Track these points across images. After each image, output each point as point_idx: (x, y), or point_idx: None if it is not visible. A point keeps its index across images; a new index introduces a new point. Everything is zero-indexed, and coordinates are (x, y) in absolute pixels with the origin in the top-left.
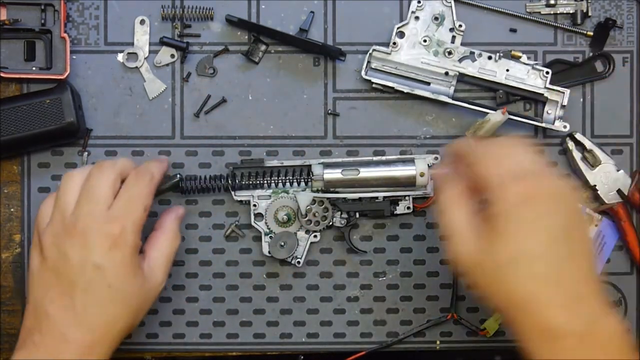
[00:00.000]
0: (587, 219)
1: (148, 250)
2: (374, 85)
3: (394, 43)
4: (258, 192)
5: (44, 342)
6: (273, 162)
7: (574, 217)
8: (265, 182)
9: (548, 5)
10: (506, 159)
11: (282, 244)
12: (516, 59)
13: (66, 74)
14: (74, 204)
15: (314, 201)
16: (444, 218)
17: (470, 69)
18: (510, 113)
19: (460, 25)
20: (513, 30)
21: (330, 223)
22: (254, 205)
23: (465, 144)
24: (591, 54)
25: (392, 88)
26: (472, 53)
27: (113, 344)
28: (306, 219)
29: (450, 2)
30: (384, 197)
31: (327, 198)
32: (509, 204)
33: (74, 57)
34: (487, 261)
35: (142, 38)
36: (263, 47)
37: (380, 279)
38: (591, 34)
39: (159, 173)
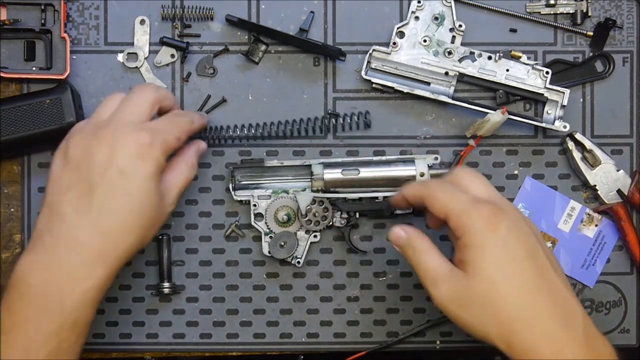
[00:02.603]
0: (586, 219)
1: (165, 173)
2: (374, 85)
3: (394, 43)
4: (258, 192)
5: (55, 244)
6: (273, 162)
7: (536, 234)
8: (265, 182)
9: (548, 5)
10: (462, 188)
11: (282, 244)
12: (516, 59)
13: (66, 74)
14: (109, 115)
15: (314, 201)
16: (420, 270)
17: (470, 69)
18: (510, 113)
19: (460, 25)
20: (513, 30)
21: (330, 223)
22: (254, 205)
23: (415, 187)
24: (591, 54)
25: (392, 88)
26: (472, 53)
27: (123, 257)
28: (306, 219)
29: (450, 2)
30: (384, 197)
31: (327, 198)
32: (476, 229)
33: (74, 57)
34: (472, 291)
35: (142, 38)
36: (263, 47)
37: (380, 279)
38: (591, 34)
39: (198, 122)
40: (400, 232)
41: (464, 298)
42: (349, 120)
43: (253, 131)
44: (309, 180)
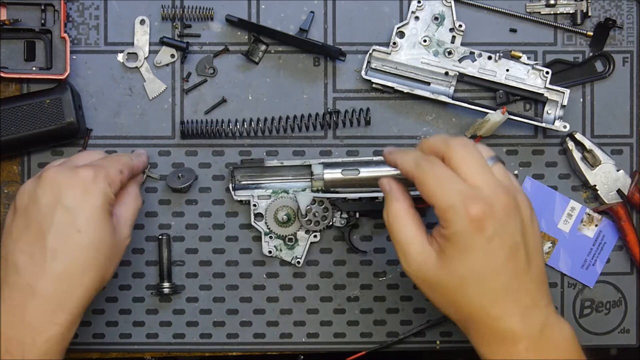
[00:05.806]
0: (586, 219)
1: (114, 208)
2: (374, 85)
3: (394, 43)
4: (258, 192)
5: (11, 296)
6: (273, 162)
7: (525, 229)
8: (265, 182)
9: (548, 5)
10: (452, 179)
11: (180, 175)
12: (516, 59)
13: (66, 74)
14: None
15: (314, 201)
16: (394, 233)
17: (470, 69)
18: (510, 113)
19: (460, 25)
20: (513, 30)
21: (330, 223)
22: (254, 205)
23: (408, 162)
24: (591, 54)
25: (392, 88)
26: (472, 53)
27: (84, 299)
28: (306, 219)
29: (450, 2)
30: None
31: (327, 198)
32: (460, 228)
33: (74, 57)
34: (441, 280)
35: (142, 38)
36: (263, 47)
37: (380, 279)
38: (591, 34)
39: (137, 159)
40: (384, 184)
41: (431, 280)
42: (349, 117)
43: (254, 126)
44: (309, 180)
